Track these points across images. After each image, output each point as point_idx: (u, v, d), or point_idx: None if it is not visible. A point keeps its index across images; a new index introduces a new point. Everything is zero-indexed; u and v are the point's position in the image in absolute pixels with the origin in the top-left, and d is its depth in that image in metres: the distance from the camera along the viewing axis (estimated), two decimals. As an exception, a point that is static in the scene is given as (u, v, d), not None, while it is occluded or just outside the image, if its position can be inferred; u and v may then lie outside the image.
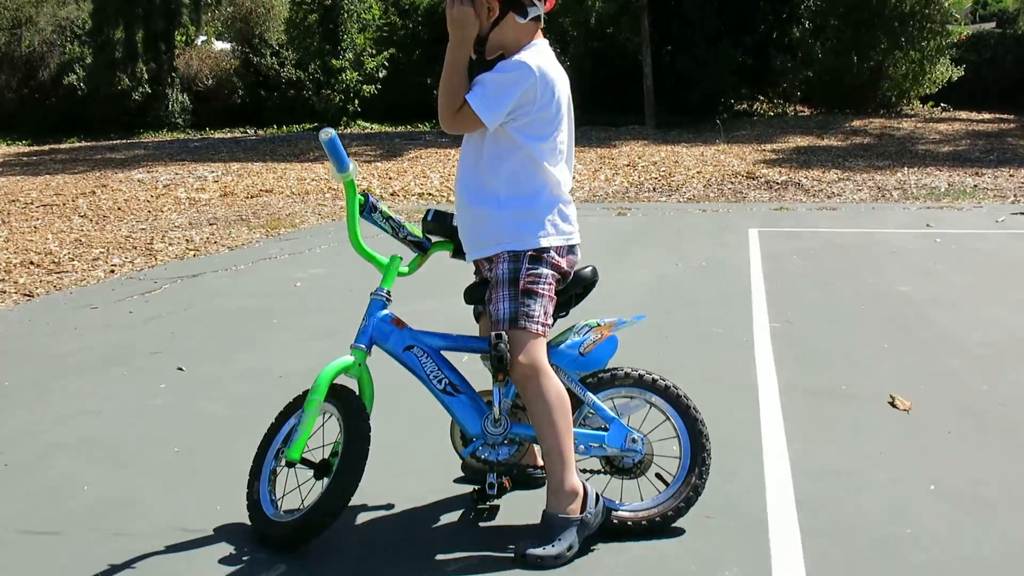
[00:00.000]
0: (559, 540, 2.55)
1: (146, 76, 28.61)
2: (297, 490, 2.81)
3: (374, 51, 27.23)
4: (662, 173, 13.99)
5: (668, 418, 2.82)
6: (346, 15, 27.15)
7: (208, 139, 24.62)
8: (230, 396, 4.21)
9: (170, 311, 5.94)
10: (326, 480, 2.68)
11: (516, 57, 2.56)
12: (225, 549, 2.71)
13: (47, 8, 30.21)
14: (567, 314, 2.80)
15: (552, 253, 2.63)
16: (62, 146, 23.50)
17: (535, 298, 2.60)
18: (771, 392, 4.01)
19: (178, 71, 29.60)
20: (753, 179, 13.13)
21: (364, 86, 26.46)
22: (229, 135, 26.23)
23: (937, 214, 9.57)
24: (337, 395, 2.71)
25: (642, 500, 2.79)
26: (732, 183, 12.85)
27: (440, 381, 2.73)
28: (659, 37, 22.77)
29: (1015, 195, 11.04)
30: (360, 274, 6.92)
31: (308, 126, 27.35)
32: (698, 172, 13.96)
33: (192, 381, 4.45)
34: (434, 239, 2.90)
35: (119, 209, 11.40)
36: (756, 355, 4.59)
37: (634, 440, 2.74)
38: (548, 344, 2.68)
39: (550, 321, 2.65)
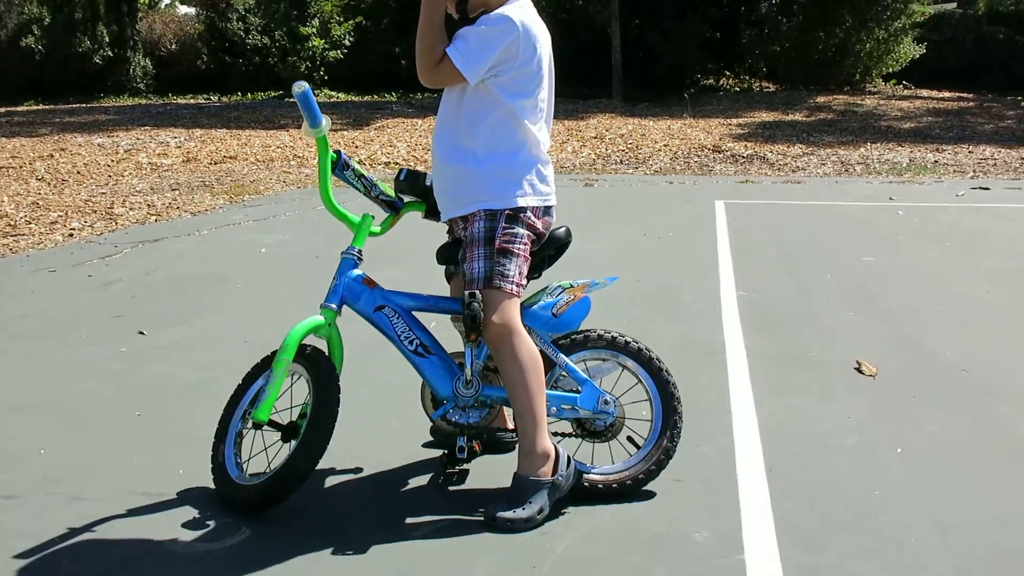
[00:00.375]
0: (530, 503, 2.53)
1: (107, 39, 28.02)
2: (264, 453, 2.76)
3: (342, 19, 26.88)
4: (629, 146, 13.97)
5: (640, 381, 2.81)
6: (314, -20, 26.75)
7: (171, 104, 24.22)
8: (193, 360, 4.13)
9: (131, 275, 5.83)
10: (293, 443, 2.64)
11: (499, 11, 2.51)
12: (188, 513, 2.66)
13: (3, -33, 29.43)
14: (540, 275, 2.77)
15: (529, 213, 2.59)
16: (19, 108, 22.97)
17: (510, 257, 2.56)
18: (739, 358, 4.02)
19: (141, 35, 29.02)
20: (719, 153, 13.16)
21: (330, 52, 26.13)
22: (192, 101, 25.82)
23: (899, 188, 9.65)
24: (306, 356, 2.66)
25: (613, 463, 2.78)
26: (698, 156, 12.87)
27: (411, 342, 2.69)
28: (628, 10, 22.68)
29: (974, 171, 11.17)
30: (326, 241, 6.86)
31: (273, 93, 26.96)
32: (665, 145, 13.96)
33: (154, 345, 4.36)
34: (406, 199, 2.85)
35: (78, 173, 11.17)
36: (724, 322, 4.60)
37: (606, 402, 2.73)
38: (521, 305, 2.65)
39: (524, 282, 2.61)
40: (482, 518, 2.57)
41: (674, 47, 21.96)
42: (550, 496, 2.57)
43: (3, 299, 5.30)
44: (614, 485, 2.70)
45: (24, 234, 7.29)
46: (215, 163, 12.42)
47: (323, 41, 26.15)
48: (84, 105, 23.96)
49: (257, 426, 2.61)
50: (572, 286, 2.74)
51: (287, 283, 5.56)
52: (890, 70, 23.37)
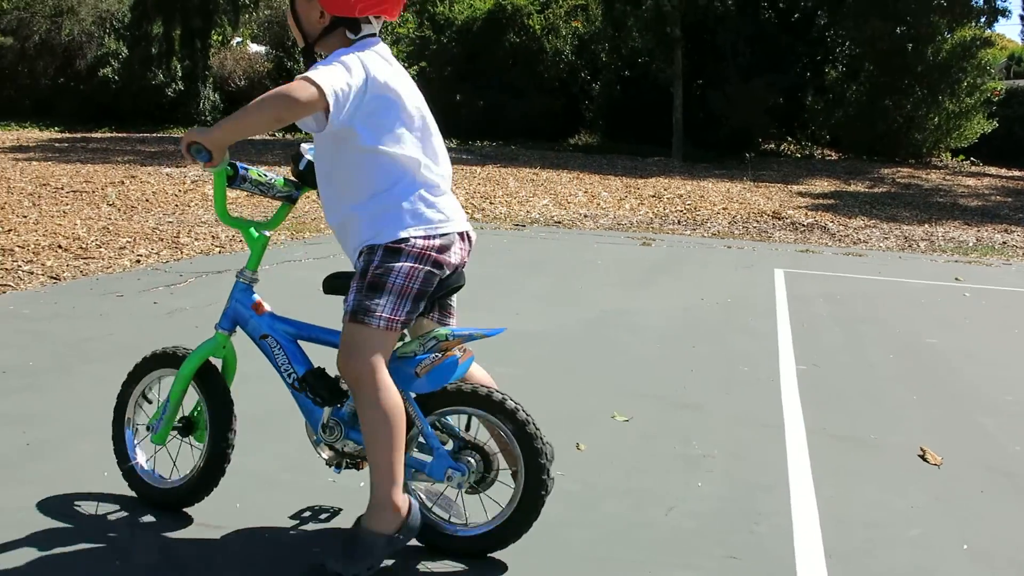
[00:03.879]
0: (362, 556, 2.45)
1: (180, 73, 28.87)
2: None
3: (406, 64, 27.40)
4: (687, 206, 13.96)
5: (513, 446, 2.58)
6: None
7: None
8: (251, 394, 4.13)
9: (194, 305, 5.93)
10: (192, 439, 2.92)
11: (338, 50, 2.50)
12: (242, 547, 2.70)
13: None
14: (421, 312, 2.57)
15: (416, 243, 2.47)
16: (94, 135, 23.66)
17: (380, 292, 2.45)
18: (798, 435, 3.95)
19: (212, 70, 29.84)
20: (779, 219, 13.08)
21: (394, 97, 26.61)
22: (258, 137, 26.38)
23: (965, 268, 9.49)
24: (199, 375, 2.86)
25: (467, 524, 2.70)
26: (758, 222, 12.80)
27: (289, 375, 2.68)
28: (691, 69, 22.82)
29: (1044, 255, 10.95)
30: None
31: (336, 133, 27.48)
32: (724, 208, 13.92)
33: (214, 378, 4.41)
34: (302, 186, 2.87)
35: (147, 201, 11.45)
36: (783, 396, 4.53)
37: (450, 477, 2.58)
38: (394, 352, 2.55)
39: (401, 316, 2.46)
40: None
41: (738, 111, 22.01)
42: (387, 548, 2.47)
43: (74, 320, 5.43)
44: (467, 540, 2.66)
45: (94, 257, 7.47)
46: (279, 199, 12.65)
47: (388, 85, 26.64)
48: (155, 135, 24.57)
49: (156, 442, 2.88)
50: (449, 338, 2.55)
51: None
52: (958, 145, 23.13)
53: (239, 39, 35.49)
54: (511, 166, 18.93)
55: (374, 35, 2.57)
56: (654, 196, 14.98)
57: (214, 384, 2.85)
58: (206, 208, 11.11)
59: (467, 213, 11.99)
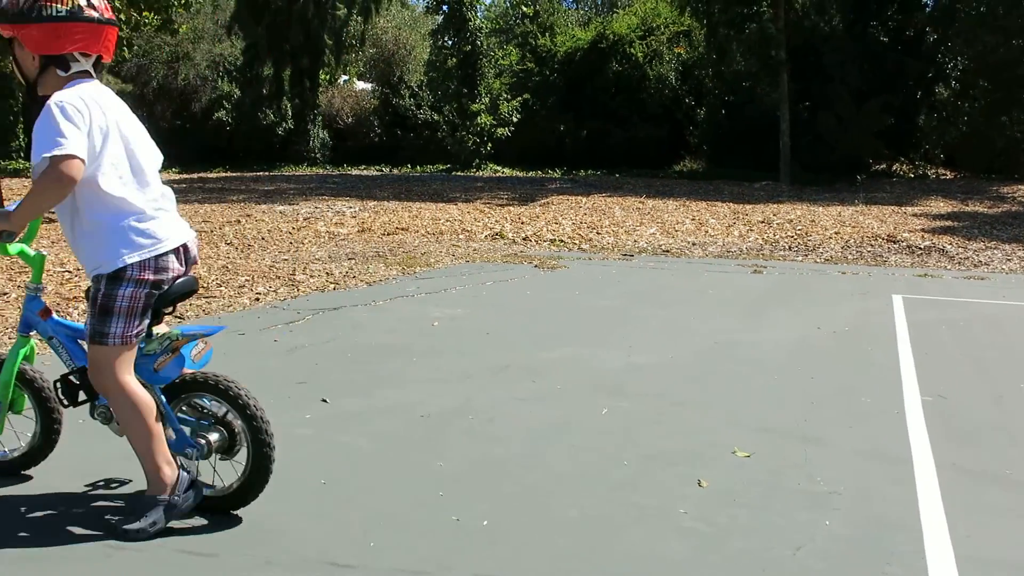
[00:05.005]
0: (145, 517, 3.01)
1: (290, 112, 29.90)
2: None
3: (509, 96, 27.75)
4: (798, 232, 13.69)
5: (238, 422, 3.19)
6: (484, 60, 27.83)
7: (346, 175, 25.44)
8: (373, 431, 4.27)
9: (313, 342, 6.10)
10: (12, 412, 3.46)
11: (51, 99, 2.82)
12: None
13: (203, 45, 31.97)
14: (160, 321, 3.16)
15: (132, 270, 2.91)
16: (210, 175, 24.66)
17: (110, 316, 2.91)
18: (927, 470, 3.82)
19: (320, 108, 30.79)
20: (894, 243, 12.71)
21: (498, 128, 26.97)
22: (366, 172, 27.06)
23: (1098, 290, 9.04)
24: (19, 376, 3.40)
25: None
26: (872, 246, 12.47)
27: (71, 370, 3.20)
28: (796, 92, 22.45)
29: None
30: (498, 317, 7.01)
31: (441, 167, 27.99)
32: (836, 232, 13.61)
33: (336, 413, 4.54)
34: None
35: (263, 239, 11.85)
36: (909, 429, 4.39)
37: (187, 454, 3.14)
38: (142, 352, 3.04)
39: (133, 331, 2.96)
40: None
41: (850, 134, 21.49)
42: (166, 512, 3.03)
43: (199, 359, 5.65)
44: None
45: (216, 296, 7.76)
46: (388, 234, 12.92)
47: (491, 118, 27.03)
48: (267, 173, 25.46)
49: None
50: (179, 337, 3.05)
51: (459, 357, 5.69)
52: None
53: (346, 77, 36.57)
54: (616, 195, 18.92)
55: (85, 72, 2.96)
56: (763, 222, 14.75)
57: (29, 378, 3.42)
58: (319, 245, 11.45)
59: (574, 244, 12.06)
